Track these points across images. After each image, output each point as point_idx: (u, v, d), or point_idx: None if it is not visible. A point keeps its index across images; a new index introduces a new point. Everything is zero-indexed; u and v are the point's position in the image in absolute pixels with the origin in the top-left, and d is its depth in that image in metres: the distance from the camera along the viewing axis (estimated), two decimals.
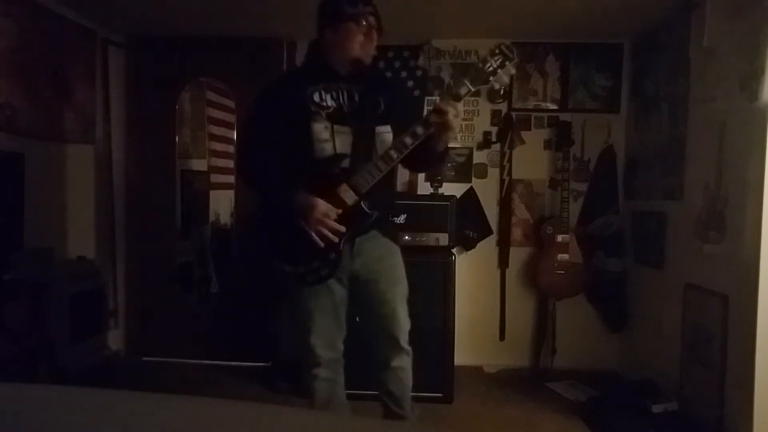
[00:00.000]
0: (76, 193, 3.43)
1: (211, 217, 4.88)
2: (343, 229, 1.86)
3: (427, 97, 3.59)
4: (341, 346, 2.09)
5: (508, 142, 3.67)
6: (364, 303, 2.07)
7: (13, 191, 2.88)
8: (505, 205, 3.70)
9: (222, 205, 4.85)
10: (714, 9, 2.65)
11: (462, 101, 1.83)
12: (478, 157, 3.71)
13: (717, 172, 2.53)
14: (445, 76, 3.64)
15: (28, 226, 2.96)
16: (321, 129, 1.88)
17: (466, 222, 3.58)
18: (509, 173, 3.69)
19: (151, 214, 3.78)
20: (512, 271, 3.73)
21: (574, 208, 3.60)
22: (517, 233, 3.73)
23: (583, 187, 3.66)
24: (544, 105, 3.69)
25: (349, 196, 1.87)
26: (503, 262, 3.73)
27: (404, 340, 2.09)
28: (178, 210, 4.02)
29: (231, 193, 3.99)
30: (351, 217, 1.88)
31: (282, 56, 3.67)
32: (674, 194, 2.94)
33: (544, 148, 3.70)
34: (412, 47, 3.63)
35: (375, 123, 1.93)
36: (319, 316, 2.01)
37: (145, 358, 3.72)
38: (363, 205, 1.88)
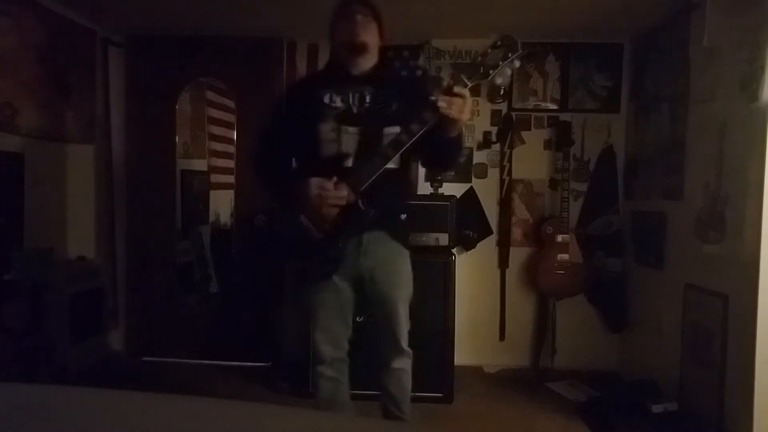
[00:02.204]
0: (76, 193, 3.43)
1: (211, 217, 4.89)
2: (344, 193, 1.84)
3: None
4: (346, 346, 2.10)
5: (508, 142, 3.67)
6: (368, 303, 2.09)
7: (13, 191, 2.89)
8: (505, 205, 3.70)
9: (222, 205, 4.86)
10: (714, 9, 2.64)
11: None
12: (478, 157, 3.71)
13: (717, 172, 2.53)
14: (445, 76, 3.64)
15: (28, 226, 2.96)
16: (328, 130, 1.91)
17: (466, 222, 3.58)
18: (509, 173, 3.69)
19: (151, 214, 3.77)
20: (512, 271, 3.73)
21: (574, 208, 3.60)
22: (517, 233, 3.73)
23: (583, 187, 3.66)
24: (544, 105, 3.69)
25: (347, 194, 1.85)
26: (503, 262, 3.73)
27: (404, 341, 2.11)
28: (178, 210, 4.03)
29: (231, 193, 3.99)
30: (348, 214, 1.88)
31: (282, 56, 3.67)
32: (674, 194, 2.94)
33: (544, 148, 3.70)
34: (412, 47, 3.62)
35: (383, 124, 1.91)
36: (324, 312, 2.04)
37: (145, 358, 3.72)
38: (359, 202, 1.87)
